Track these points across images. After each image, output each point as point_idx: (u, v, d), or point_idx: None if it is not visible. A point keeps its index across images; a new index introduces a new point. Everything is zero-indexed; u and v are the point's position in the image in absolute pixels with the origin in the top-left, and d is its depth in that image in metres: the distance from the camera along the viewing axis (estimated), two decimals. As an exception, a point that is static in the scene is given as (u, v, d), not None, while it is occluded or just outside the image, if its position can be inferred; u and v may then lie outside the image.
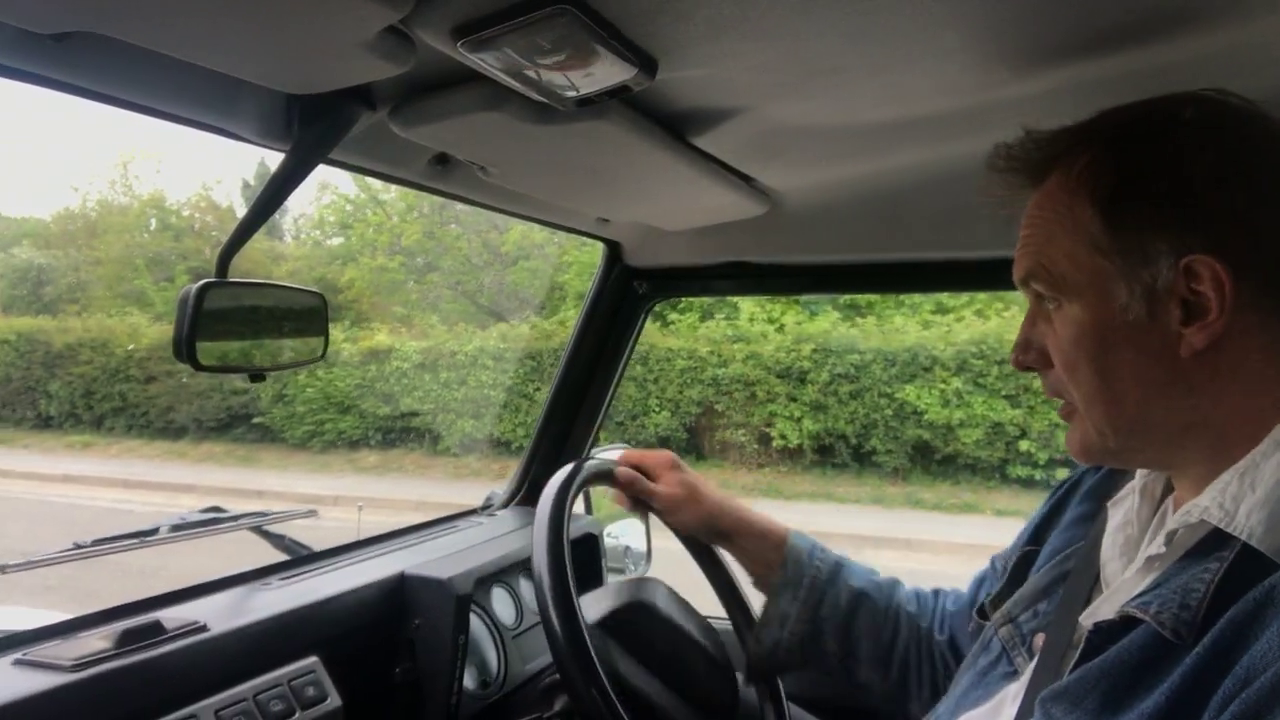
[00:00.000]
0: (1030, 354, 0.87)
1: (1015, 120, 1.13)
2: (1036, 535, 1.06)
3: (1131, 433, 0.81)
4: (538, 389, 11.58)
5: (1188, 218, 0.75)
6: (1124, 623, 0.75)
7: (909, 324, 10.86)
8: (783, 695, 1.37)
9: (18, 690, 0.93)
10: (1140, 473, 0.91)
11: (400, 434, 12.76)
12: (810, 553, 1.29)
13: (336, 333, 13.18)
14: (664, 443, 10.94)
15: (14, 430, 14.34)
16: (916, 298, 10.42)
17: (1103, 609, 0.82)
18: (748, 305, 11.30)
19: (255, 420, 13.40)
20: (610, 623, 1.22)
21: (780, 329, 11.14)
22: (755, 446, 11.05)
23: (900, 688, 1.22)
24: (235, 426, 13.64)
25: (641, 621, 1.26)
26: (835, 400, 10.66)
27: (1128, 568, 0.85)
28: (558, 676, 1.19)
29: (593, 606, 1.23)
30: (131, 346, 13.82)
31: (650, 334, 11.31)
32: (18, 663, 1.00)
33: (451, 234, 14.43)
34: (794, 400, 10.79)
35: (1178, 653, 0.69)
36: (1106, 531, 0.92)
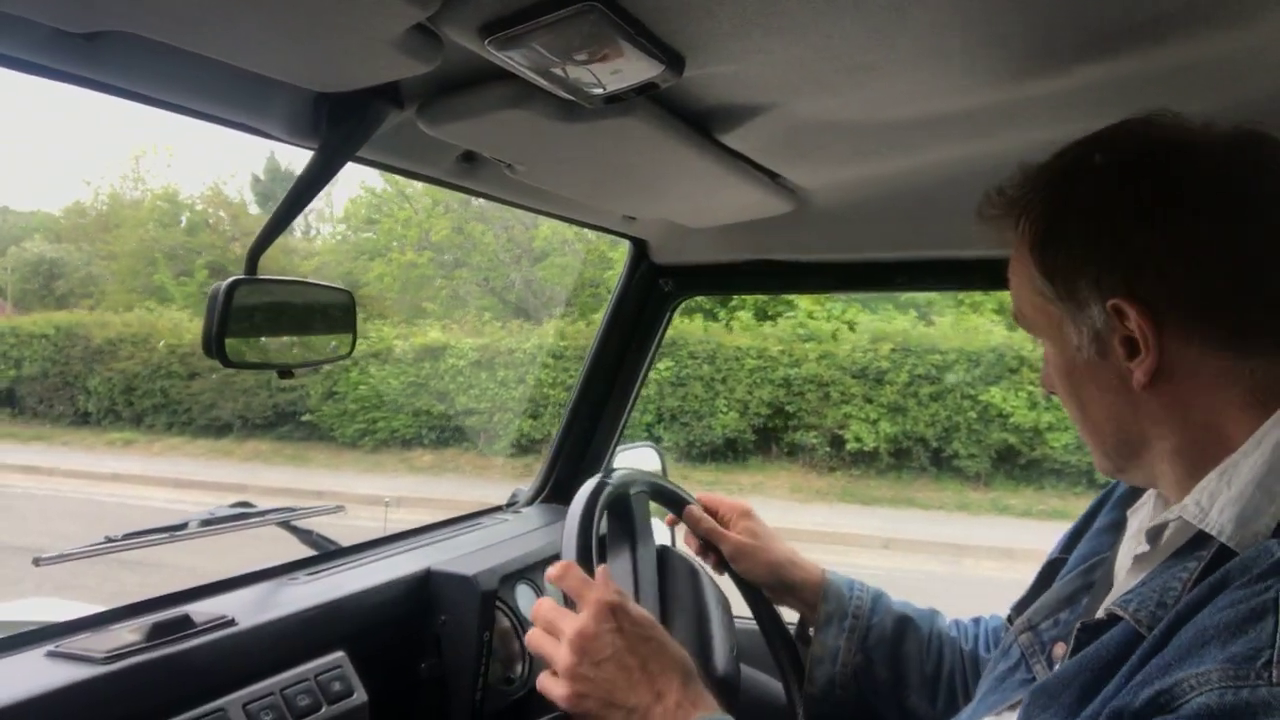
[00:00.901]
0: (1048, 381, 0.91)
1: (1040, 117, 1.13)
2: (1070, 543, 1.06)
3: (1119, 457, 0.85)
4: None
5: (1103, 261, 0.78)
6: (1109, 620, 0.77)
7: (985, 324, 10.56)
8: None
9: (51, 681, 0.94)
10: None
11: (454, 433, 12.51)
12: (849, 585, 1.31)
13: (387, 330, 13.09)
14: (729, 444, 10.90)
15: (52, 426, 14.25)
16: (977, 296, 10.21)
17: (1096, 609, 0.84)
18: (806, 303, 11.04)
19: (304, 418, 13.16)
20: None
21: (851, 328, 10.91)
22: (827, 449, 10.80)
23: (948, 712, 1.22)
24: (281, 424, 13.40)
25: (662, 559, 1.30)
26: (915, 402, 10.43)
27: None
28: None
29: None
30: (162, 342, 13.81)
31: (717, 333, 11.18)
32: (51, 654, 1.02)
33: (479, 229, 14.36)
34: (870, 402, 10.52)
35: (1143, 641, 0.71)
36: (1124, 539, 0.93)
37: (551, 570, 1.05)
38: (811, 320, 11.02)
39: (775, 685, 1.42)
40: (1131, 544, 0.90)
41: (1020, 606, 1.02)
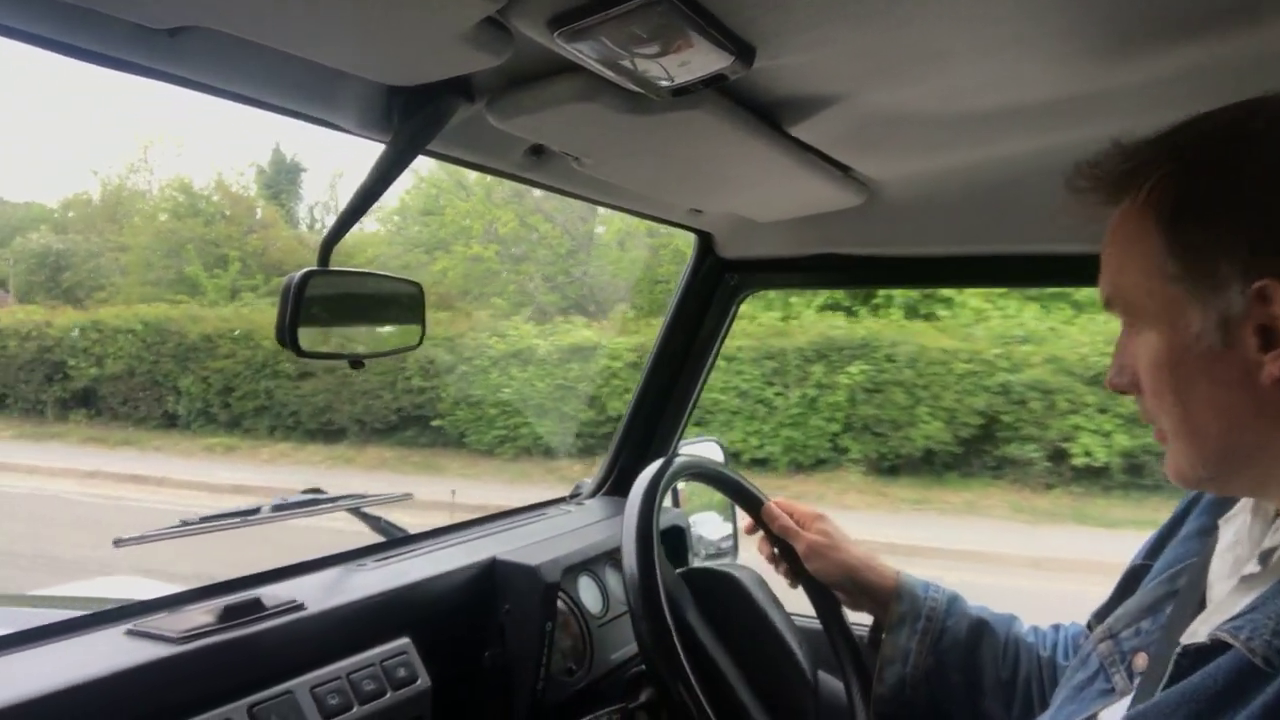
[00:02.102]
0: (1124, 377, 0.83)
1: (1130, 106, 1.09)
2: (1154, 549, 1.01)
3: (1220, 463, 0.77)
4: (779, 393, 10.19)
5: (1255, 239, 0.70)
6: (1214, 647, 0.72)
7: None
8: None
9: (131, 659, 0.98)
10: None
11: (603, 440, 10.52)
12: (925, 586, 1.28)
13: (528, 328, 12.20)
14: (927, 456, 9.84)
15: (135, 429, 13.18)
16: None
17: (1199, 631, 0.77)
18: (976, 301, 10.02)
19: (433, 422, 11.95)
20: (694, 579, 1.28)
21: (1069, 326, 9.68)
22: (1045, 464, 9.47)
23: (1024, 719, 1.19)
24: (405, 429, 12.23)
25: (723, 591, 1.30)
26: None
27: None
28: (644, 668, 1.20)
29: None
30: (268, 340, 11.89)
31: (919, 333, 10.03)
32: (130, 633, 1.05)
33: (540, 221, 13.97)
34: (1104, 412, 9.10)
35: (1264, 679, 0.66)
36: (1216, 550, 0.87)
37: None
38: (983, 320, 9.93)
39: (836, 686, 1.40)
40: (1228, 557, 0.84)
41: (1101, 614, 0.98)
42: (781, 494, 1.41)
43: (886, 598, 1.28)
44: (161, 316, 13.61)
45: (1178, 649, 0.76)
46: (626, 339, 11.47)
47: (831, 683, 1.45)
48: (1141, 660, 0.85)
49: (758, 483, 1.41)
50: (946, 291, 9.48)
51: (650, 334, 10.18)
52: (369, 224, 17.03)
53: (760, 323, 10.75)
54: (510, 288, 14.25)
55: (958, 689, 1.22)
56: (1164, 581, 0.91)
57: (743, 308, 1.91)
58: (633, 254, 13.57)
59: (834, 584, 1.33)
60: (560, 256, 14.02)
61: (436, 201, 15.81)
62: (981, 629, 1.24)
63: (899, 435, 9.88)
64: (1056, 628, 1.26)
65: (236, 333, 13.07)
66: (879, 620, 1.30)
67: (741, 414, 10.35)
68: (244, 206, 18.01)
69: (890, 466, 10.01)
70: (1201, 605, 0.83)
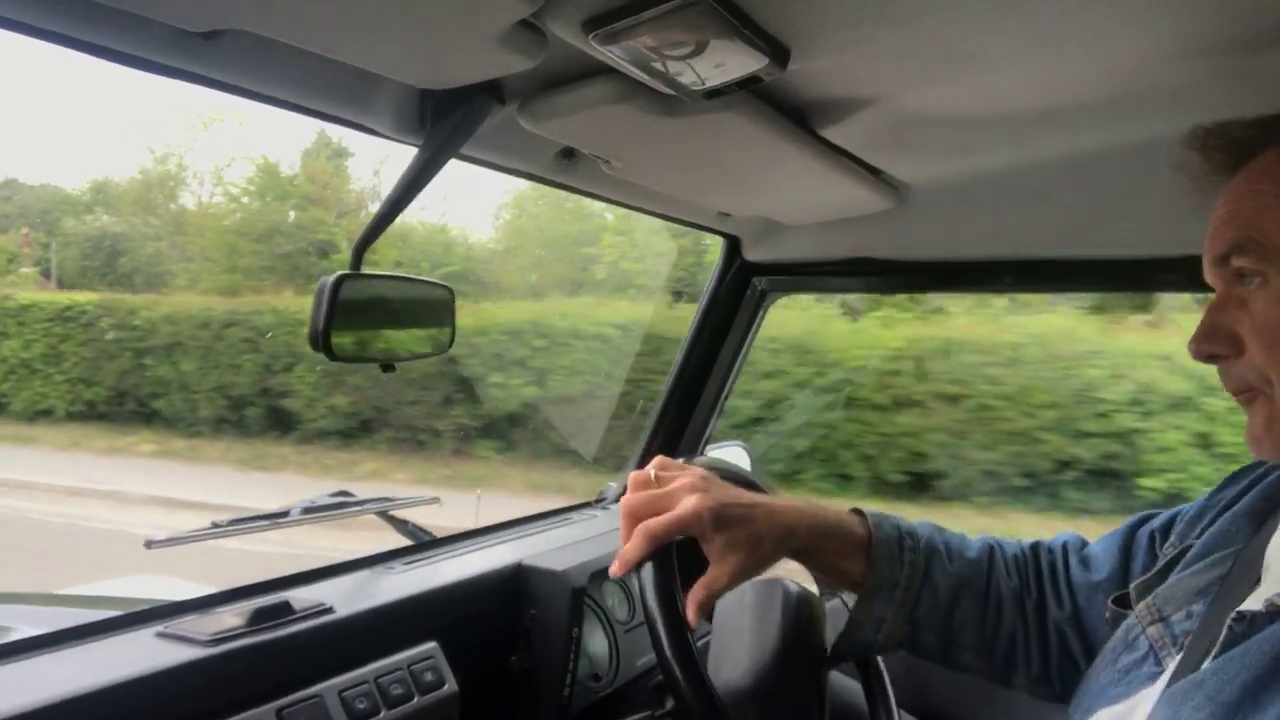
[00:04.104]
0: (1217, 341, 0.82)
1: (1167, 110, 1.07)
2: (1189, 529, 0.99)
3: None
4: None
5: None
6: (1270, 614, 0.72)
7: None
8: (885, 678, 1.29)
9: (161, 661, 0.98)
10: None
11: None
12: (899, 550, 1.11)
13: None
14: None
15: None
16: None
17: (1252, 603, 0.77)
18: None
19: None
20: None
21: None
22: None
23: (1006, 668, 1.13)
24: None
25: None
26: None
27: None
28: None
29: None
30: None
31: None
32: (160, 635, 1.06)
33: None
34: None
35: None
36: (1276, 533, 0.85)
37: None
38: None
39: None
40: None
41: (1142, 591, 0.94)
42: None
43: (852, 565, 1.11)
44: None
45: (1231, 615, 0.75)
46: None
47: (845, 683, 1.44)
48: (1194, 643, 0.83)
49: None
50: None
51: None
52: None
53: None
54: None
55: (932, 650, 1.13)
56: (1215, 562, 0.89)
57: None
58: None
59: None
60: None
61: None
62: (960, 590, 1.12)
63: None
64: (1035, 551, 1.18)
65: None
66: (846, 581, 1.13)
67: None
68: (332, 190, 15.92)
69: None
70: (1257, 583, 0.82)
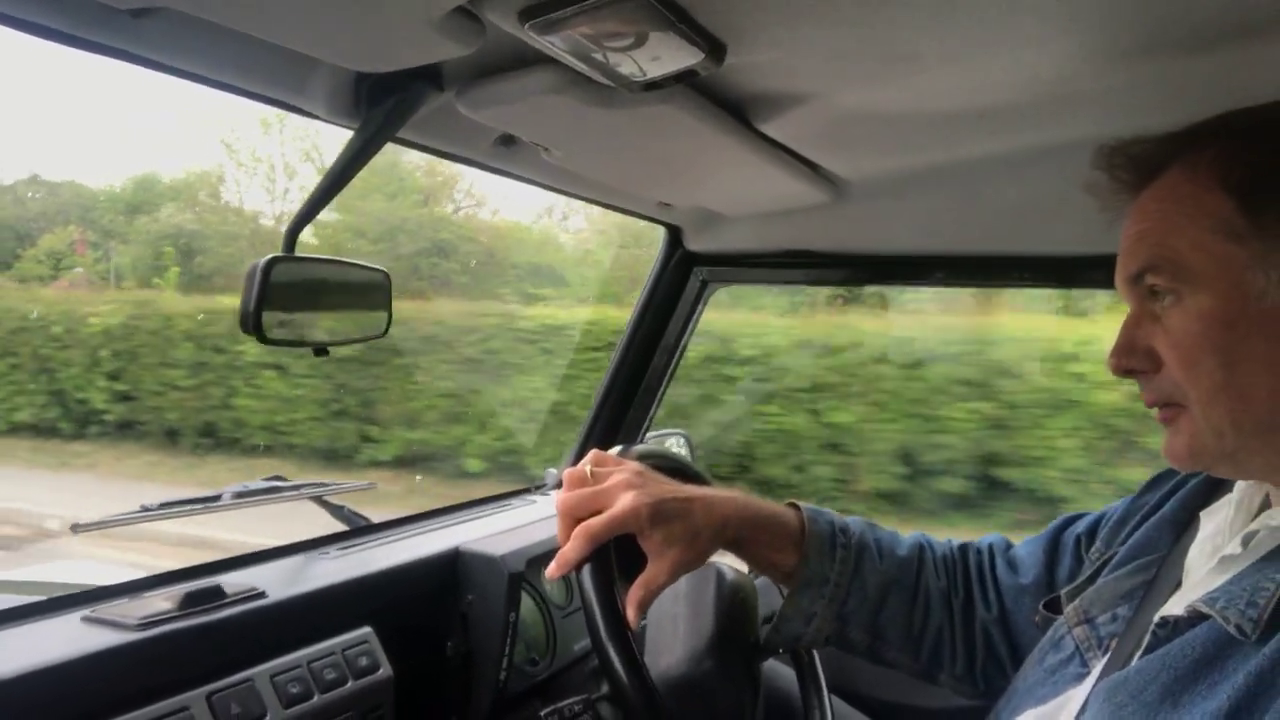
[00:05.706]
0: (1135, 356, 0.83)
1: (1094, 113, 1.11)
2: (1113, 536, 1.03)
3: (1254, 432, 0.77)
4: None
5: None
6: (1190, 619, 0.76)
7: None
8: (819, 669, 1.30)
9: (87, 646, 0.96)
10: (1239, 486, 0.87)
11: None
12: (831, 546, 1.13)
13: None
14: None
15: None
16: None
17: (1173, 607, 0.81)
18: None
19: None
20: None
21: None
22: None
23: (932, 666, 1.16)
24: None
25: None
26: None
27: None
28: None
29: None
30: None
31: None
32: (86, 619, 1.04)
33: None
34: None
35: (1243, 650, 0.69)
36: (1195, 540, 0.89)
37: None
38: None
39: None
40: (1207, 546, 0.87)
41: (1070, 596, 0.98)
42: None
43: (784, 558, 1.13)
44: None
45: (1155, 620, 0.79)
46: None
47: (778, 668, 1.47)
48: (1118, 645, 0.87)
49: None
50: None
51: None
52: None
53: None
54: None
55: (859, 645, 1.16)
56: (1139, 568, 0.93)
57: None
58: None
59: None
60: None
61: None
62: (889, 588, 1.14)
63: None
64: (964, 552, 1.21)
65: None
66: (777, 572, 1.15)
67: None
68: (449, 186, 14.04)
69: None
70: (1178, 587, 0.86)
